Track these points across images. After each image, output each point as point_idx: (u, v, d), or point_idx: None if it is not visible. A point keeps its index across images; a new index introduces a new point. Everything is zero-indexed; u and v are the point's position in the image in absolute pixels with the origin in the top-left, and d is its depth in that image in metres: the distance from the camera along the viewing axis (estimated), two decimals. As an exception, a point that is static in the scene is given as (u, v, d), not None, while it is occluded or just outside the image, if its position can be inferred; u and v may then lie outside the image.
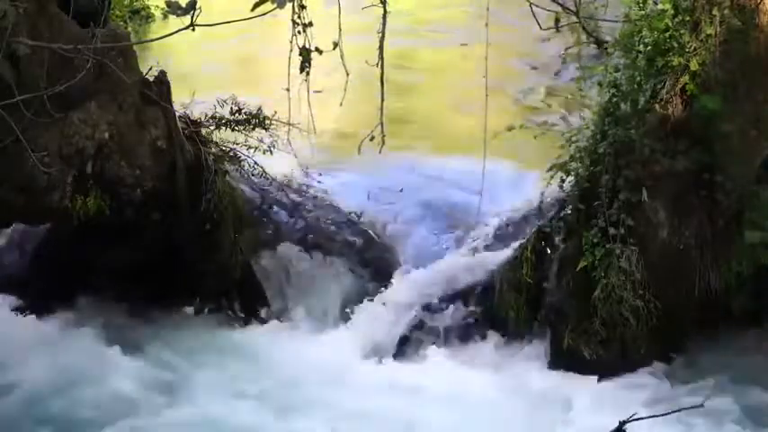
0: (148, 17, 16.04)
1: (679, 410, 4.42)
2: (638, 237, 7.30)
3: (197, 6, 3.65)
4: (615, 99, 7.53)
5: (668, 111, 7.31)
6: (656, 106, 7.33)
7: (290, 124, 6.47)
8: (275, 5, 3.71)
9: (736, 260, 7.33)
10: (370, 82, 5.58)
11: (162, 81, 7.86)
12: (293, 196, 8.90)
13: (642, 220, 7.34)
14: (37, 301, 8.33)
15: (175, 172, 7.85)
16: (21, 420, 6.88)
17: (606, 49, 7.33)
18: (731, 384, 7.24)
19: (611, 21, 7.52)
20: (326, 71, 5.39)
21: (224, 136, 8.42)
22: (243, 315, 8.34)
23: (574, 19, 6.17)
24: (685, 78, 7.17)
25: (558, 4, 5.72)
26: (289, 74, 4.63)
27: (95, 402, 7.08)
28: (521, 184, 9.08)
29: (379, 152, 5.37)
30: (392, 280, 8.47)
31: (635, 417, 3.95)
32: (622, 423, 3.87)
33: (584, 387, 7.32)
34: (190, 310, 8.35)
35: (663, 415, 4.34)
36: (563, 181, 7.87)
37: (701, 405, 4.52)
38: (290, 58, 4.60)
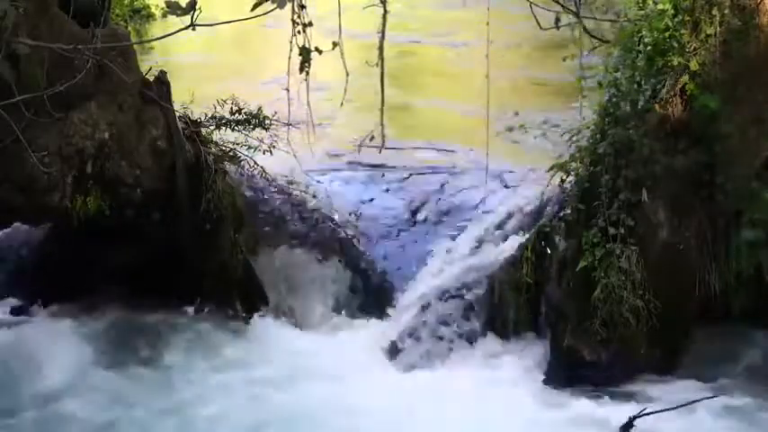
0: (148, 17, 16.07)
1: (689, 403, 4.41)
2: (638, 237, 7.29)
3: (197, 6, 3.64)
4: (615, 99, 7.52)
5: (668, 111, 7.31)
6: (656, 106, 7.33)
7: (289, 124, 6.47)
8: (275, 5, 3.71)
9: (736, 260, 7.33)
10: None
11: (162, 81, 7.87)
12: (293, 196, 8.90)
13: (642, 220, 7.34)
14: (37, 302, 8.34)
15: (175, 172, 7.85)
16: (23, 419, 6.88)
17: (598, 46, 7.32)
18: (731, 384, 7.24)
19: (611, 20, 7.51)
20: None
21: (224, 136, 8.44)
22: (243, 314, 8.34)
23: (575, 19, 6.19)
24: (685, 78, 7.17)
25: (559, 3, 5.72)
26: (289, 73, 4.63)
27: (96, 402, 7.08)
28: (521, 184, 9.11)
29: (380, 152, 5.38)
30: (392, 279, 8.47)
31: (645, 411, 3.95)
32: (632, 418, 3.87)
33: (584, 387, 7.33)
34: (191, 309, 8.35)
35: (672, 408, 4.33)
36: (563, 181, 7.88)
37: (714, 396, 4.53)
38: (289, 57, 4.60)
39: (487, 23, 6.09)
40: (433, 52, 14.04)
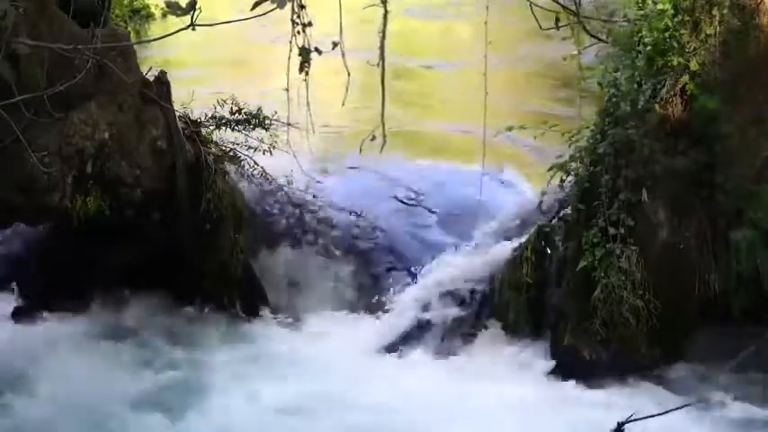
0: (148, 17, 16.08)
1: (673, 410, 4.43)
2: (638, 237, 7.29)
3: (197, 6, 3.64)
4: (615, 99, 7.52)
5: (668, 111, 7.31)
6: (656, 106, 7.34)
7: (289, 124, 6.46)
8: (275, 5, 3.70)
9: (736, 260, 7.33)
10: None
11: (162, 81, 7.87)
12: (293, 196, 8.90)
13: (642, 220, 7.34)
14: (37, 301, 8.33)
15: (175, 172, 7.85)
16: (25, 419, 6.87)
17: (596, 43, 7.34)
18: (731, 384, 7.24)
19: (611, 20, 7.51)
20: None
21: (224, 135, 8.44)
22: (243, 314, 8.34)
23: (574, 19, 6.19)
24: (685, 78, 7.17)
25: (559, 3, 5.71)
26: (288, 74, 4.62)
27: (96, 401, 7.08)
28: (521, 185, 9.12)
29: (380, 152, 5.37)
30: (392, 279, 8.47)
31: (632, 417, 3.96)
32: (621, 424, 3.87)
33: (583, 387, 7.33)
34: (191, 309, 8.35)
35: (659, 415, 4.35)
36: (563, 181, 7.87)
37: (697, 402, 4.54)
38: (289, 57, 4.59)
39: (486, 23, 6.09)
40: (426, 74, 13.77)
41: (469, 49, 12.63)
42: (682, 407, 4.34)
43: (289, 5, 4.04)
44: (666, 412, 4.27)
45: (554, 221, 8.02)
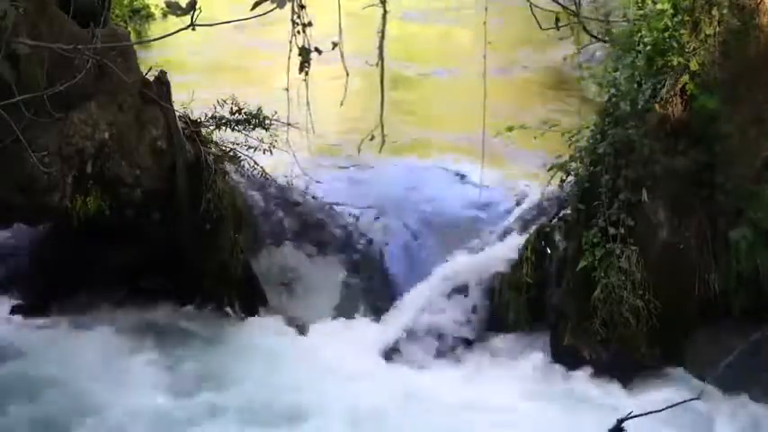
0: (148, 17, 16.08)
1: (674, 405, 4.43)
2: (638, 237, 7.30)
3: (197, 6, 3.64)
4: (615, 99, 7.53)
5: (668, 110, 7.31)
6: (656, 106, 7.34)
7: (289, 124, 6.47)
8: (275, 5, 3.70)
9: (736, 259, 7.33)
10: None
11: (162, 81, 7.86)
12: (293, 196, 8.90)
13: (642, 220, 7.34)
14: (37, 301, 8.34)
15: (175, 172, 7.85)
16: (26, 419, 6.88)
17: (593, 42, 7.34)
18: (731, 384, 7.23)
19: (611, 20, 7.51)
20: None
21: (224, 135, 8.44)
22: (243, 314, 8.35)
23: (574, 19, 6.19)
24: (685, 78, 7.18)
25: (559, 4, 5.73)
26: (288, 74, 4.63)
27: (94, 400, 7.08)
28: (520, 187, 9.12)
29: (380, 152, 5.38)
30: (392, 280, 8.47)
31: (632, 414, 3.97)
32: (620, 421, 3.88)
33: (583, 387, 7.34)
34: (190, 309, 8.35)
35: (659, 411, 4.35)
36: (563, 181, 7.88)
37: (698, 398, 4.54)
38: (289, 57, 4.60)
39: (485, 23, 6.11)
40: (424, 81, 13.67)
41: (469, 54, 12.57)
42: (680, 402, 4.34)
43: (289, 5, 4.04)
44: (666, 408, 4.28)
45: (554, 221, 8.03)
